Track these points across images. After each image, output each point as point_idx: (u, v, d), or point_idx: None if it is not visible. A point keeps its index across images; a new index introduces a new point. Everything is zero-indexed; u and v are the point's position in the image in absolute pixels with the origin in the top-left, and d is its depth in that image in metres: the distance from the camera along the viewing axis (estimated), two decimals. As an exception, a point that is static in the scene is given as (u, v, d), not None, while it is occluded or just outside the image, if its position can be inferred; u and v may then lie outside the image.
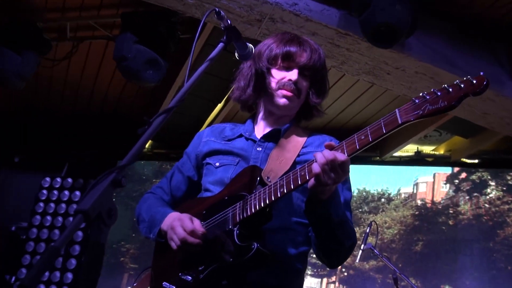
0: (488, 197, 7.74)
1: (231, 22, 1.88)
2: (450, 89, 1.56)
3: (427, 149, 7.67)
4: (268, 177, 1.96)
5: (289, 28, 4.05)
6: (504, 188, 7.79)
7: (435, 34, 4.44)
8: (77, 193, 6.54)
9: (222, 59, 2.04)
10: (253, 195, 1.90)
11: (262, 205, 1.84)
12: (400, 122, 1.64)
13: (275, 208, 1.92)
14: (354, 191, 8.21)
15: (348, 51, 4.34)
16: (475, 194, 7.76)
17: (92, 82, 6.27)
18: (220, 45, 1.87)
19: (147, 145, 7.52)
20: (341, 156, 1.71)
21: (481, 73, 1.55)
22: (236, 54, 2.04)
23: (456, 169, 7.97)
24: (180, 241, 1.90)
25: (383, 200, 8.21)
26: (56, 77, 6.18)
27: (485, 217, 7.59)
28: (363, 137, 1.71)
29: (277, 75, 2.18)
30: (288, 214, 2.04)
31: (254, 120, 2.33)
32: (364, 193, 8.29)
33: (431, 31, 4.40)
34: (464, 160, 7.60)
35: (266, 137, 2.20)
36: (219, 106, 6.34)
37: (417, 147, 7.62)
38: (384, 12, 3.69)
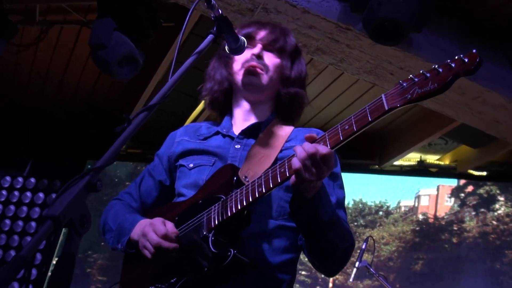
0: (496, 213, 7.82)
1: (222, 12, 1.89)
2: (440, 70, 1.57)
3: (431, 158, 7.73)
4: (245, 177, 1.96)
5: (284, 20, 4.06)
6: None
7: (444, 33, 4.47)
8: (41, 195, 6.48)
9: (209, 51, 2.06)
10: (229, 197, 1.89)
11: (239, 207, 1.83)
12: (386, 108, 1.64)
13: (254, 211, 1.92)
14: (349, 202, 8.23)
15: (348, 47, 4.36)
16: (482, 209, 7.84)
17: (62, 72, 6.24)
18: (210, 37, 1.88)
19: (121, 144, 7.50)
20: (323, 149, 1.70)
21: (474, 50, 1.57)
22: (226, 48, 2.06)
23: (462, 181, 8.04)
24: (155, 247, 1.88)
25: (381, 213, 8.26)
26: (21, 64, 6.15)
27: (492, 236, 7.66)
28: (347, 127, 1.71)
29: (240, 57, 2.21)
30: (269, 217, 2.04)
31: (232, 116, 2.33)
32: (360, 205, 8.33)
33: (439, 29, 4.43)
34: (471, 172, 7.67)
35: (245, 133, 2.20)
36: (202, 103, 6.35)
37: (420, 156, 7.67)
38: (386, 5, 3.71)
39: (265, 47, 2.24)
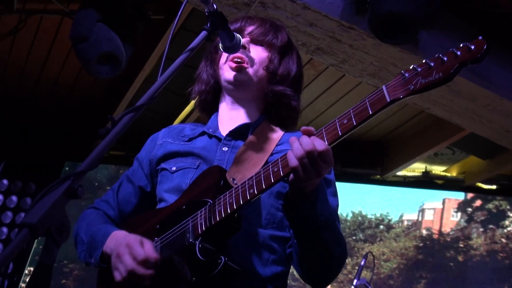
0: (506, 230, 7.85)
1: (217, 7, 1.90)
2: (445, 58, 1.59)
3: (437, 169, 7.76)
4: (233, 179, 1.95)
5: (283, 15, 4.07)
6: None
7: (454, 34, 4.49)
8: (14, 198, 6.49)
9: (201, 48, 2.07)
10: (217, 200, 1.88)
11: (229, 211, 1.83)
12: (388, 100, 1.65)
13: (243, 218, 1.91)
14: (348, 214, 8.24)
15: (351, 48, 4.38)
16: (491, 226, 7.87)
17: (40, 66, 6.24)
18: (203, 33, 1.88)
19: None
20: (320, 145, 1.70)
21: (480, 37, 1.60)
22: (220, 46, 2.07)
23: (470, 195, 8.07)
24: (128, 273, 1.85)
25: (382, 227, 8.27)
26: (-3, 56, 6.14)
27: (501, 254, 7.69)
28: (345, 121, 1.71)
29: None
30: (259, 226, 2.04)
31: (218, 114, 2.33)
32: (359, 218, 8.34)
33: (449, 31, 4.46)
34: (479, 185, 7.70)
35: (233, 134, 2.20)
36: (193, 102, 6.34)
37: (425, 167, 7.70)
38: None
39: (253, 41, 2.26)
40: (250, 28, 2.28)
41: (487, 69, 4.59)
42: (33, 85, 6.62)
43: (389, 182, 7.64)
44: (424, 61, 1.63)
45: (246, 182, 1.83)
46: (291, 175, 1.75)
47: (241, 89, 2.24)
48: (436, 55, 1.61)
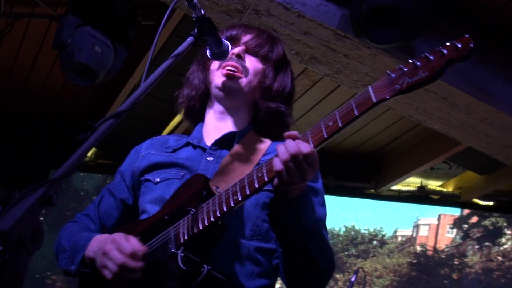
0: (502, 248, 7.84)
1: (205, 13, 1.89)
2: (431, 57, 1.61)
3: (433, 184, 7.76)
4: (217, 187, 1.94)
5: (277, 23, 4.08)
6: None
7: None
8: (-3, 206, 6.43)
9: (190, 54, 2.06)
10: (199, 208, 1.87)
11: (212, 219, 1.82)
12: (374, 100, 1.66)
13: (227, 229, 1.90)
14: (341, 228, 8.23)
15: (346, 57, 4.38)
16: (487, 243, 7.86)
17: (28, 70, 6.22)
18: (190, 39, 1.88)
19: (89, 154, 7.46)
20: (305, 148, 1.71)
21: (466, 35, 1.61)
22: (207, 52, 2.05)
23: (466, 211, 8.06)
24: (119, 267, 1.85)
25: (375, 242, 8.26)
26: (-17, 60, 6.12)
27: (497, 273, 7.68)
28: (331, 123, 1.73)
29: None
30: (243, 237, 2.02)
31: (204, 124, 2.32)
32: (352, 232, 8.33)
33: (447, 40, 4.46)
34: (476, 201, 7.70)
35: (218, 143, 2.19)
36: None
37: (421, 181, 7.70)
38: None
39: (248, 51, 2.25)
40: (246, 38, 2.27)
41: (485, 82, 4.59)
42: (20, 90, 6.60)
43: (383, 196, 7.64)
44: (410, 60, 1.64)
45: (230, 189, 1.82)
46: (276, 180, 1.75)
47: (231, 97, 2.22)
48: (423, 55, 1.63)
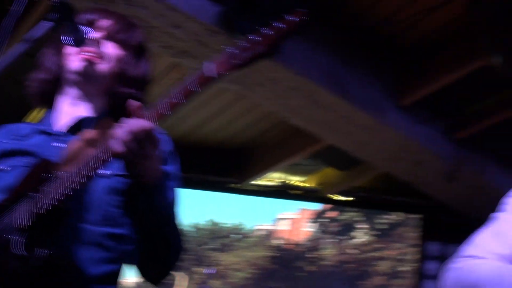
0: (355, 241, 8.20)
1: (68, -1, 1.86)
2: (270, 32, 1.71)
3: (295, 179, 7.88)
4: (62, 172, 1.88)
5: (148, 15, 4.04)
6: (377, 233, 8.33)
7: (319, 45, 4.65)
8: None
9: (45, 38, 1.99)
10: (42, 193, 1.83)
11: (54, 203, 1.78)
12: (212, 76, 1.72)
13: (73, 215, 1.89)
14: (204, 223, 8.27)
15: (218, 52, 4.41)
16: (343, 237, 8.20)
17: None
18: (46, 23, 1.84)
19: None
20: (143, 125, 1.72)
21: (301, 10, 1.73)
22: (65, 37, 2.01)
23: (327, 206, 8.35)
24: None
25: (235, 236, 8.37)
26: None
27: (351, 265, 8.03)
28: (172, 100, 1.74)
29: None
30: (91, 223, 2.00)
31: (55, 109, 2.26)
32: (213, 226, 8.39)
33: (314, 42, 4.61)
34: (336, 196, 7.89)
35: (68, 129, 2.15)
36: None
37: (283, 177, 7.81)
38: None
39: (107, 37, 2.21)
40: (104, 23, 2.22)
41: (347, 82, 4.79)
42: None
43: (245, 191, 7.65)
44: (249, 37, 1.72)
45: (74, 173, 1.79)
46: (121, 161, 1.75)
47: (88, 83, 2.17)
48: (263, 31, 1.71)
